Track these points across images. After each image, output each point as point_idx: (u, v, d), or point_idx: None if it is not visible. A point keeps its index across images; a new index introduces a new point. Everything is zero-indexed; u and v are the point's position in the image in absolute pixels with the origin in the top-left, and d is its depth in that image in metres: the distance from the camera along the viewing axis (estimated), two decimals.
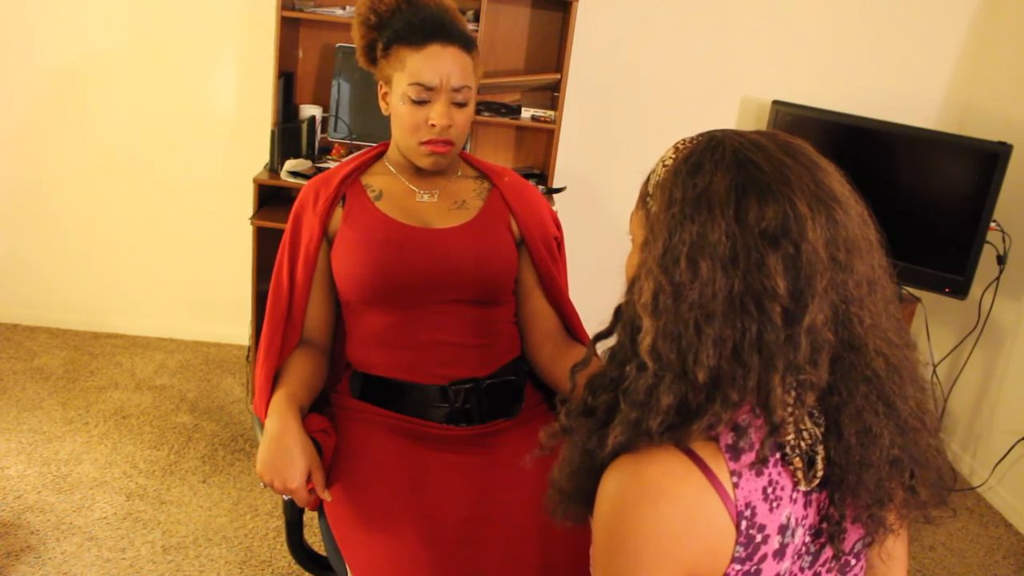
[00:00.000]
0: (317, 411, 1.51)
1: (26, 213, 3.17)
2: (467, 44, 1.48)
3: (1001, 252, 2.87)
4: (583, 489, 0.92)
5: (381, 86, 1.55)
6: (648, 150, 3.57)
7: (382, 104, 1.56)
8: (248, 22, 2.97)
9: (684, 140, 0.95)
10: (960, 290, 2.78)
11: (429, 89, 1.45)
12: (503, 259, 1.55)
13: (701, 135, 0.94)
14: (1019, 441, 2.83)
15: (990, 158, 2.66)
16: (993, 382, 3.00)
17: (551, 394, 1.65)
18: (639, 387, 0.85)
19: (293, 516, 1.45)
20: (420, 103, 1.46)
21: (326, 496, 1.35)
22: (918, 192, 2.84)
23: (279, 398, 1.40)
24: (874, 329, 0.94)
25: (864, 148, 2.91)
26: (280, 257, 1.57)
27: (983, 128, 3.05)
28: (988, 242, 2.76)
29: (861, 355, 0.89)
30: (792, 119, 2.99)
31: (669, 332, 0.84)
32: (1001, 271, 2.90)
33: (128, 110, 3.06)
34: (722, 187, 0.85)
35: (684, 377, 0.83)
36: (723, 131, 0.93)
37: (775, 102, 3.00)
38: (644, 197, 0.94)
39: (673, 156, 0.93)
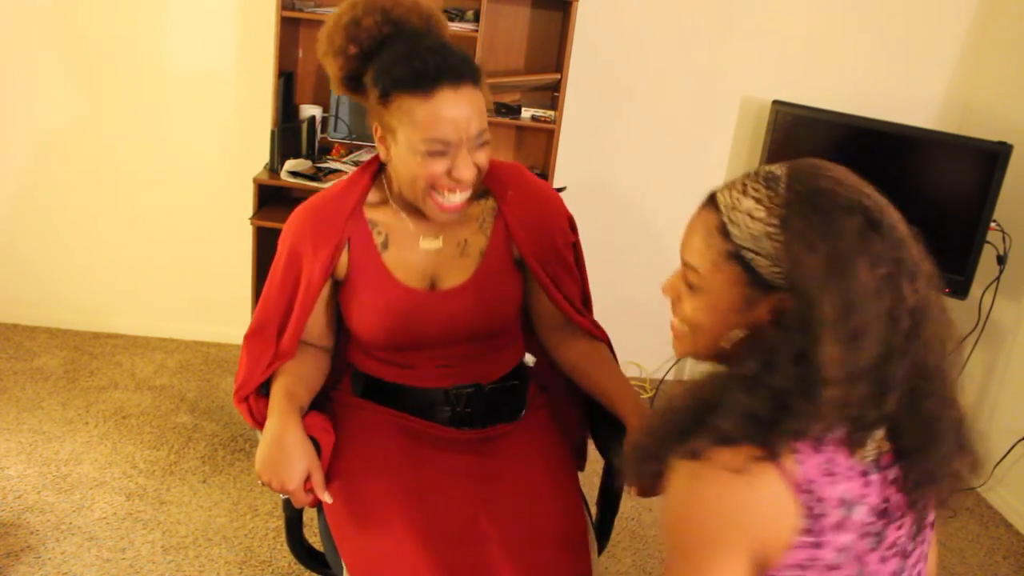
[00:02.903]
0: (318, 408, 1.50)
1: (26, 213, 3.17)
2: (475, 76, 1.33)
3: (1001, 252, 2.87)
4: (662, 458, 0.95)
5: (377, 128, 1.38)
6: (648, 150, 3.60)
7: (380, 148, 1.39)
8: (248, 22, 2.97)
9: (755, 182, 0.98)
10: (960, 290, 2.78)
11: (444, 141, 1.30)
12: (509, 306, 1.52)
13: (773, 174, 0.99)
14: (1019, 441, 2.83)
15: (990, 158, 2.66)
16: (993, 382, 2.99)
17: (553, 394, 1.65)
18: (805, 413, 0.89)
19: (293, 513, 1.45)
20: (436, 155, 1.31)
21: (326, 498, 1.35)
22: (918, 192, 2.84)
23: (279, 397, 1.39)
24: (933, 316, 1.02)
25: (864, 148, 2.91)
26: (271, 287, 1.49)
27: (983, 128, 3.05)
28: (988, 242, 2.76)
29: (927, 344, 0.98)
30: (792, 119, 2.99)
31: (859, 375, 0.89)
32: (1001, 271, 2.90)
33: (128, 110, 3.05)
34: (853, 231, 0.94)
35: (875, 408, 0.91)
36: (799, 168, 1.02)
37: (775, 102, 3.00)
38: (735, 254, 0.95)
39: (764, 206, 0.95)
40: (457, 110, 1.29)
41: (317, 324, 1.52)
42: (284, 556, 2.24)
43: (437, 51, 1.30)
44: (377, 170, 1.49)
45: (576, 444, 1.66)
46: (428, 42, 1.33)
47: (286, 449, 1.32)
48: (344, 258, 1.45)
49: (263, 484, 1.33)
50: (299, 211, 1.48)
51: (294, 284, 1.46)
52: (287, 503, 1.44)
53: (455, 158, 1.32)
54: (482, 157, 1.36)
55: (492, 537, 1.32)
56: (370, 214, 1.46)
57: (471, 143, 1.32)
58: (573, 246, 1.59)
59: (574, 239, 1.60)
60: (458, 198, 1.36)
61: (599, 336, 1.59)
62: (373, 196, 1.47)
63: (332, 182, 2.68)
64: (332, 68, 1.40)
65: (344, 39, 1.36)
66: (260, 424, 1.42)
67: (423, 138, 1.29)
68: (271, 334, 1.47)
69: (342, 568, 1.35)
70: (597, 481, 1.62)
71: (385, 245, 1.45)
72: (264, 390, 1.46)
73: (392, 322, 1.44)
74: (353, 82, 1.40)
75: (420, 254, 1.46)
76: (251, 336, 1.48)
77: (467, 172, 1.33)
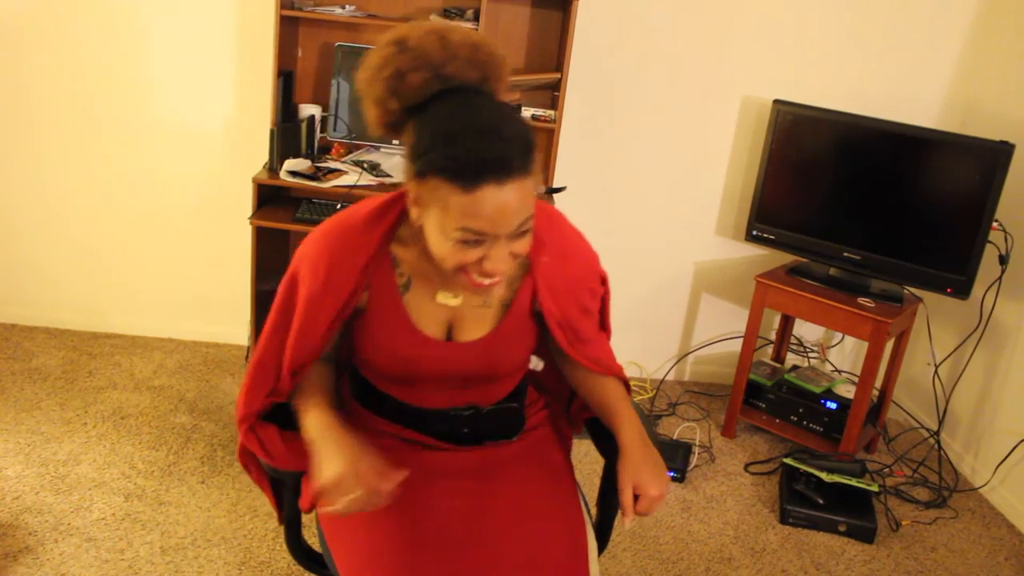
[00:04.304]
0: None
1: (25, 213, 3.17)
2: (526, 164, 1.16)
3: (1003, 252, 2.86)
4: None
5: (410, 191, 1.23)
6: (648, 149, 3.61)
7: (411, 209, 1.24)
8: (247, 21, 2.96)
9: None
10: (962, 290, 2.77)
11: (481, 233, 1.17)
12: (524, 354, 1.47)
13: None
14: (1021, 442, 2.82)
15: (992, 157, 2.65)
16: (995, 382, 2.99)
17: (555, 397, 1.64)
18: None
19: (291, 515, 1.44)
20: (470, 244, 1.18)
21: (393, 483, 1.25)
22: (920, 192, 2.83)
23: (322, 420, 1.31)
24: None
25: (865, 148, 2.90)
26: (274, 315, 1.40)
27: (985, 127, 3.04)
28: (990, 242, 2.76)
29: None
30: (793, 119, 2.98)
31: None
32: (1003, 271, 2.89)
33: (127, 109, 3.05)
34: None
35: None
36: None
37: (776, 101, 2.99)
38: None
39: None
40: (498, 206, 1.14)
41: (331, 350, 1.46)
42: (283, 557, 2.23)
43: (485, 134, 1.14)
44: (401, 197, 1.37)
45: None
46: (477, 118, 1.17)
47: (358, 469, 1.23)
48: (364, 294, 1.36)
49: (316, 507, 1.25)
50: (319, 238, 1.35)
51: (290, 314, 1.38)
52: (286, 504, 1.43)
53: (490, 248, 1.19)
54: (521, 245, 1.22)
55: (487, 544, 1.31)
56: (396, 250, 1.35)
57: (510, 234, 1.19)
58: (601, 298, 1.52)
59: (603, 292, 1.52)
60: (491, 281, 1.24)
61: (601, 371, 1.53)
62: (403, 230, 1.34)
63: (331, 183, 2.69)
64: (370, 114, 1.28)
65: (385, 91, 1.22)
66: (271, 456, 1.37)
67: (457, 227, 1.16)
68: (271, 365, 1.40)
69: (337, 572, 1.35)
70: (597, 481, 1.61)
71: (407, 287, 1.36)
72: (272, 418, 1.41)
73: (403, 365, 1.38)
74: (394, 130, 1.27)
75: (438, 304, 1.38)
76: (255, 366, 1.41)
77: (502, 265, 1.20)
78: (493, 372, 1.43)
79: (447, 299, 1.34)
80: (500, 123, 1.16)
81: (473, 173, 1.12)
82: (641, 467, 1.34)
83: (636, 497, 1.32)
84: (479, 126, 1.15)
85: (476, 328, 1.39)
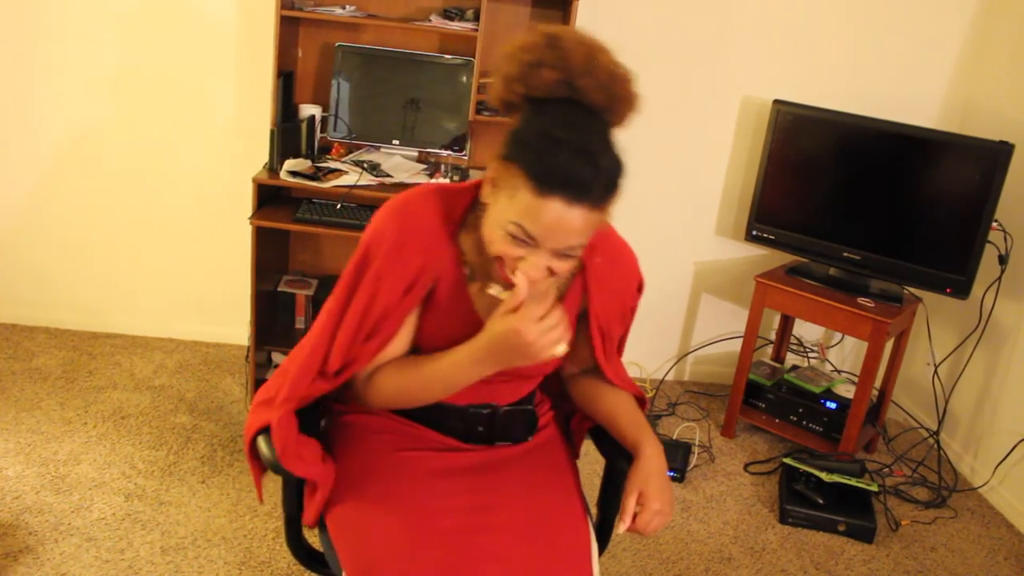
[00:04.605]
0: (316, 428, 1.46)
1: (24, 213, 3.16)
2: (602, 199, 1.19)
3: (1003, 252, 2.86)
4: None
5: (492, 169, 1.25)
6: (648, 149, 3.60)
7: (485, 187, 1.27)
8: (247, 21, 2.96)
9: None
10: (961, 290, 2.77)
11: (531, 237, 1.20)
12: (556, 359, 1.45)
13: None
14: (1021, 441, 2.82)
15: (991, 157, 2.66)
16: (995, 382, 2.99)
17: (560, 407, 1.64)
18: None
19: (292, 512, 1.44)
20: (517, 241, 1.21)
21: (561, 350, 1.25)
22: (919, 192, 2.83)
23: (447, 354, 1.33)
24: None
25: (865, 148, 2.90)
26: (342, 296, 1.35)
27: (984, 127, 3.05)
28: (990, 242, 2.76)
29: None
30: (793, 119, 2.98)
31: None
32: (1003, 271, 2.90)
33: (127, 110, 3.05)
34: None
35: None
36: None
37: (775, 102, 3.00)
38: None
39: None
40: (558, 221, 1.17)
41: (400, 348, 1.40)
42: (283, 556, 2.23)
43: (582, 153, 1.16)
44: (479, 186, 1.37)
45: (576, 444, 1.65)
46: (582, 137, 1.18)
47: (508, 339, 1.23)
48: (433, 281, 1.36)
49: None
50: (390, 217, 1.33)
51: (353, 293, 1.34)
52: (287, 503, 1.43)
53: (532, 254, 1.21)
54: (561, 266, 1.24)
55: (488, 539, 1.32)
56: (463, 240, 1.36)
57: (557, 251, 1.21)
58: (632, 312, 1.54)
59: (636, 305, 1.53)
60: (519, 282, 1.23)
61: (626, 388, 1.54)
62: (469, 220, 1.36)
63: (332, 183, 2.69)
64: (495, 86, 1.29)
65: (518, 73, 1.24)
66: (289, 453, 1.33)
67: (513, 219, 1.19)
68: (325, 347, 1.35)
69: (341, 569, 1.35)
70: (598, 482, 1.61)
71: (472, 276, 1.37)
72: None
73: (447, 343, 1.36)
74: (507, 109, 1.30)
75: (490, 295, 1.36)
76: (313, 345, 1.35)
77: (535, 272, 1.22)
78: (529, 370, 1.43)
79: (499, 292, 1.33)
80: (600, 152, 1.18)
81: (551, 181, 1.15)
82: (652, 478, 1.36)
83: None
84: (580, 144, 1.17)
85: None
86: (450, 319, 1.36)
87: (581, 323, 1.47)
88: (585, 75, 1.21)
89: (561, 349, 1.24)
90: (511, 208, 1.19)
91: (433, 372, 1.35)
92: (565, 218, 1.16)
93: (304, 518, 1.43)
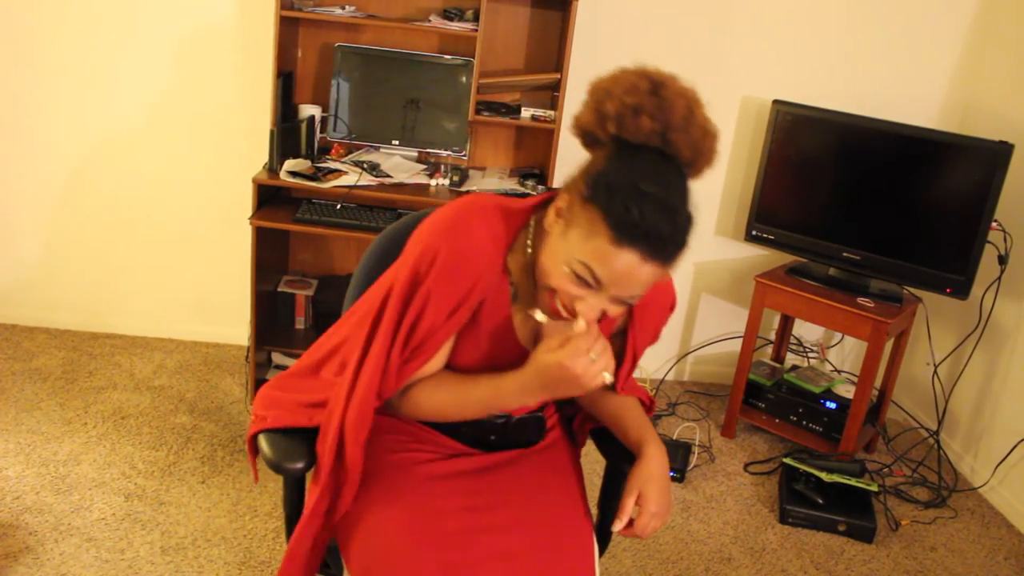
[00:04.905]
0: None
1: (25, 213, 3.17)
2: (675, 258, 1.18)
3: (1002, 252, 2.86)
4: None
5: (564, 200, 1.22)
6: None
7: (551, 214, 1.24)
8: (247, 21, 2.96)
9: None
10: (961, 290, 2.77)
11: (597, 280, 1.18)
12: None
13: None
14: (1021, 441, 2.83)
15: (991, 157, 2.66)
16: (994, 382, 2.99)
17: (563, 408, 1.64)
18: None
19: (292, 512, 1.44)
20: (578, 280, 1.19)
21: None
22: (919, 192, 2.83)
23: (493, 378, 1.31)
24: None
25: (865, 148, 2.90)
26: (396, 317, 1.30)
27: (984, 127, 3.05)
28: (989, 242, 2.76)
29: None
30: (792, 119, 2.98)
31: None
32: (1002, 271, 2.90)
33: (127, 110, 3.05)
34: None
35: None
36: None
37: (775, 102, 3.00)
38: None
39: None
40: (629, 273, 1.16)
41: (437, 365, 1.38)
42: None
43: (666, 211, 1.15)
44: (537, 207, 1.34)
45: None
46: (668, 193, 1.17)
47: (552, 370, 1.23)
48: (481, 301, 1.33)
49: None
50: (442, 236, 1.28)
51: (405, 310, 1.29)
52: (288, 502, 1.43)
53: (591, 296, 1.20)
54: (616, 310, 1.24)
55: (494, 543, 1.32)
56: (510, 259, 1.34)
57: (617, 298, 1.21)
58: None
59: (670, 316, 1.53)
60: (567, 316, 1.23)
61: (633, 393, 1.54)
62: (520, 242, 1.34)
63: (331, 183, 2.69)
64: (585, 115, 1.26)
65: (613, 114, 1.21)
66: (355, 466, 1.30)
67: (580, 260, 1.17)
68: (380, 368, 1.30)
69: (342, 568, 1.35)
70: (598, 482, 1.62)
71: (515, 297, 1.35)
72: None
73: (484, 367, 1.37)
74: (587, 140, 1.28)
75: (532, 319, 1.37)
76: (371, 372, 1.30)
77: (591, 314, 1.21)
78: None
79: (545, 318, 1.31)
80: (680, 209, 1.18)
81: (632, 234, 1.14)
82: (652, 480, 1.36)
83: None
84: (665, 201, 1.15)
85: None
86: (489, 338, 1.35)
87: (616, 339, 1.47)
88: (681, 131, 1.20)
89: (607, 379, 1.23)
90: (582, 248, 1.17)
91: (474, 394, 1.34)
92: (637, 271, 1.16)
93: (333, 517, 1.38)
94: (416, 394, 1.36)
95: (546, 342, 1.25)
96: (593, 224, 1.16)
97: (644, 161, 1.19)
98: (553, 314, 1.26)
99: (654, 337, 1.50)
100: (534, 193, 2.88)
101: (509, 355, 1.35)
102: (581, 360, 1.20)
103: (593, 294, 1.20)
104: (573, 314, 1.22)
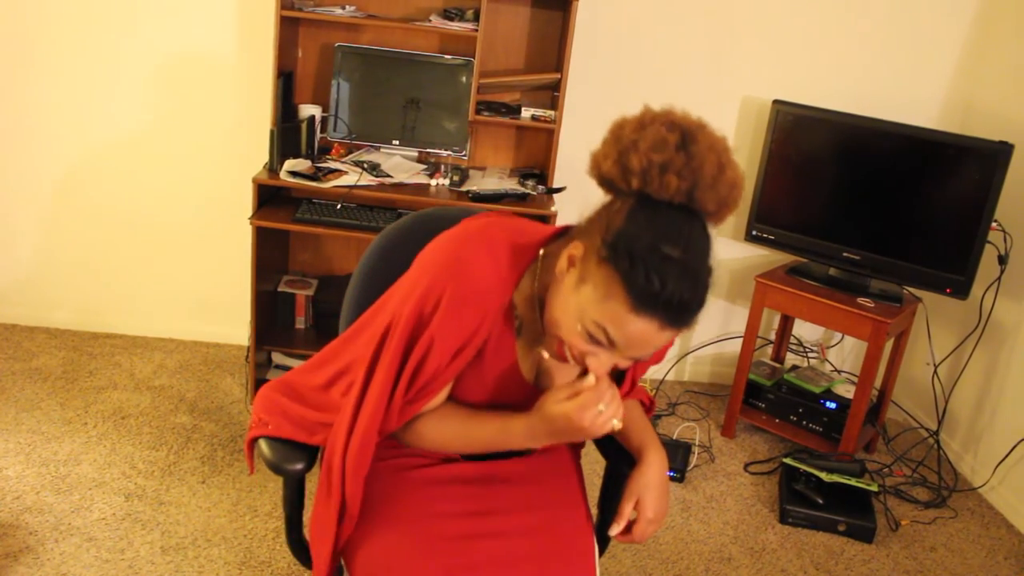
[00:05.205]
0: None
1: (25, 213, 3.17)
2: (692, 322, 1.15)
3: (1002, 252, 2.86)
4: None
5: (579, 249, 1.17)
6: None
7: (563, 261, 1.19)
8: (247, 21, 2.96)
9: None
10: (961, 290, 2.77)
11: (611, 342, 1.15)
12: None
13: None
14: (1020, 441, 2.83)
15: (991, 158, 2.66)
16: (994, 382, 2.99)
17: None
18: None
19: (292, 512, 1.44)
20: (590, 339, 1.16)
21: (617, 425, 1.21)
22: (919, 192, 2.83)
23: (503, 418, 1.29)
24: None
25: (865, 148, 2.90)
26: (398, 360, 1.25)
27: (985, 128, 3.05)
28: (989, 242, 2.76)
29: None
30: (792, 119, 2.98)
31: None
32: (1002, 271, 2.90)
33: (127, 110, 3.05)
34: None
35: None
36: None
37: (775, 102, 3.00)
38: None
39: None
40: (647, 338, 1.12)
41: (440, 400, 1.34)
42: (283, 556, 2.23)
43: (689, 277, 1.10)
44: (547, 240, 1.30)
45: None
46: (692, 256, 1.11)
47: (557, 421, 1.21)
48: (486, 338, 1.29)
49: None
50: (446, 274, 1.23)
51: (409, 351, 1.25)
52: (287, 502, 1.43)
53: (602, 353, 1.17)
54: (627, 364, 1.22)
55: (495, 548, 1.31)
56: (516, 293, 1.29)
57: (631, 356, 1.18)
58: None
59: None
60: (574, 363, 1.21)
61: (633, 394, 1.53)
62: (527, 277, 1.29)
63: (332, 183, 2.69)
64: (605, 163, 1.18)
65: (637, 168, 1.13)
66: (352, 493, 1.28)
67: (598, 321, 1.13)
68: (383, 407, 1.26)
69: (341, 569, 1.35)
70: (598, 483, 1.62)
71: (519, 331, 1.32)
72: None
73: (488, 403, 1.35)
74: (606, 186, 1.21)
75: (536, 354, 1.35)
76: (371, 414, 1.26)
77: (601, 370, 1.19)
78: None
79: (551, 358, 1.29)
80: (703, 270, 1.13)
81: (652, 303, 1.09)
82: (651, 487, 1.36)
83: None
84: (689, 265, 1.10)
85: (564, 375, 1.36)
86: (493, 372, 1.32)
87: None
88: (709, 189, 1.13)
89: (616, 426, 1.21)
90: (597, 310, 1.12)
91: (480, 433, 1.32)
92: (653, 336, 1.12)
93: (336, 544, 1.35)
94: (420, 427, 1.34)
95: (554, 393, 1.22)
96: (610, 286, 1.11)
97: (667, 219, 1.12)
98: (561, 359, 1.23)
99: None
100: (534, 193, 2.89)
101: (514, 389, 1.34)
102: (589, 413, 1.18)
103: (604, 352, 1.17)
104: (581, 363, 1.20)
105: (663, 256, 1.09)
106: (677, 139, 1.13)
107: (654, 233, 1.10)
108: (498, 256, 1.25)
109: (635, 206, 1.14)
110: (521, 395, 1.34)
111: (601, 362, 1.18)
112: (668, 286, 1.08)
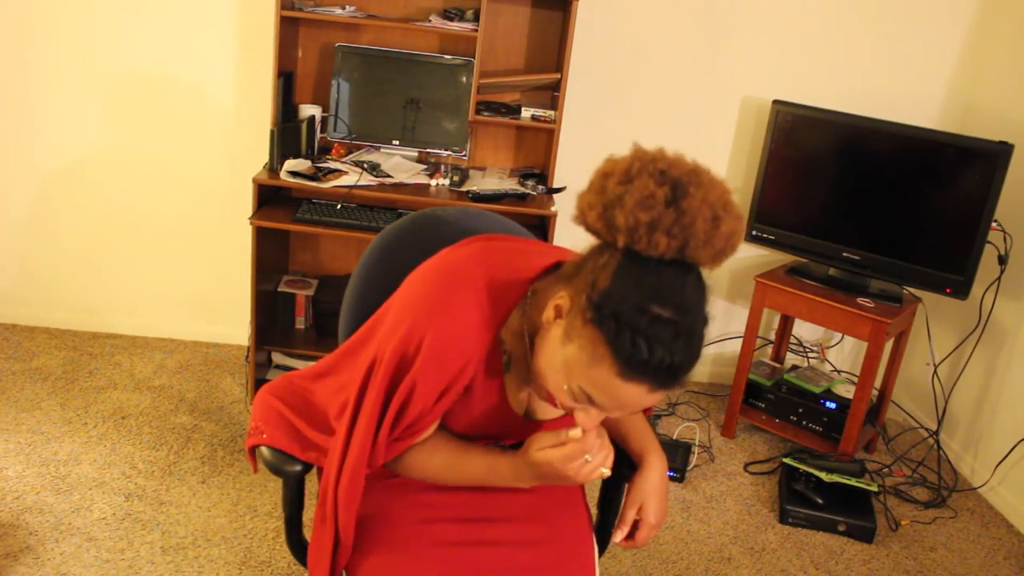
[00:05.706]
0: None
1: (24, 213, 3.17)
2: (683, 382, 1.06)
3: (1002, 252, 2.86)
4: None
5: (565, 301, 1.10)
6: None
7: (550, 312, 1.12)
8: (247, 21, 2.96)
9: None
10: (961, 290, 2.77)
11: (599, 406, 1.11)
12: None
13: None
14: (1020, 441, 2.83)
15: (991, 158, 2.66)
16: (994, 382, 2.99)
17: None
18: None
19: (292, 512, 1.44)
20: (577, 399, 1.12)
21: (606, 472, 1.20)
22: (919, 192, 2.83)
23: (491, 457, 1.28)
24: None
25: (865, 148, 2.90)
26: (383, 398, 1.22)
27: (984, 128, 3.05)
28: (989, 242, 2.76)
29: None
30: (792, 119, 2.98)
31: None
32: (1002, 271, 2.90)
33: (127, 110, 3.05)
34: None
35: None
36: None
37: (775, 102, 3.00)
38: None
39: None
40: (634, 401, 1.07)
41: (428, 434, 1.32)
42: (283, 556, 2.23)
43: (681, 340, 1.02)
44: (538, 276, 1.24)
45: None
46: (685, 317, 1.03)
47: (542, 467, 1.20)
48: (474, 375, 1.26)
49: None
50: (429, 319, 1.19)
51: (394, 390, 1.22)
52: (287, 502, 1.43)
53: (590, 411, 1.13)
54: (615, 416, 1.20)
55: (495, 554, 1.31)
56: (503, 330, 1.25)
57: (618, 413, 1.14)
58: None
59: None
60: (576, 432, 1.18)
61: None
62: (516, 313, 1.24)
63: (332, 183, 2.69)
64: (591, 213, 1.08)
65: (624, 225, 1.03)
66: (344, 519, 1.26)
67: (580, 385, 1.08)
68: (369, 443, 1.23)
69: (341, 569, 1.35)
70: (598, 483, 1.61)
71: (508, 366, 1.28)
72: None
73: (478, 436, 1.34)
74: (591, 233, 1.12)
75: (525, 388, 1.33)
76: (357, 452, 1.24)
77: (589, 424, 1.14)
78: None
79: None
80: (697, 325, 1.05)
81: (642, 370, 1.02)
82: (653, 493, 1.37)
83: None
84: (681, 327, 1.02)
85: (553, 410, 1.35)
86: (482, 406, 1.29)
87: None
88: (702, 247, 1.03)
89: (604, 473, 1.19)
90: (584, 375, 1.06)
91: (468, 469, 1.30)
92: (641, 399, 1.06)
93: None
94: (410, 460, 1.32)
95: (540, 438, 1.19)
96: (596, 349, 1.04)
97: (656, 275, 1.03)
98: (551, 404, 1.21)
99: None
100: (534, 193, 2.89)
101: (502, 420, 1.33)
102: (574, 464, 1.16)
103: (593, 410, 1.13)
104: (570, 414, 1.17)
105: (652, 318, 1.01)
106: (667, 194, 1.02)
107: (641, 293, 1.02)
108: (481, 297, 1.20)
109: (623, 261, 1.05)
110: (512, 427, 1.34)
111: (590, 417, 1.13)
112: (657, 352, 1.01)
